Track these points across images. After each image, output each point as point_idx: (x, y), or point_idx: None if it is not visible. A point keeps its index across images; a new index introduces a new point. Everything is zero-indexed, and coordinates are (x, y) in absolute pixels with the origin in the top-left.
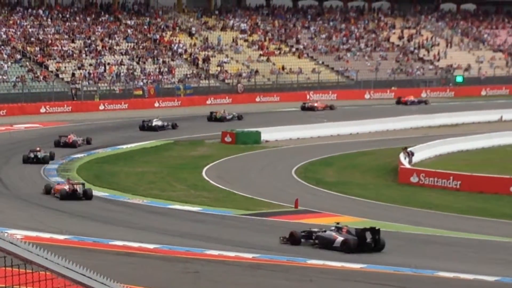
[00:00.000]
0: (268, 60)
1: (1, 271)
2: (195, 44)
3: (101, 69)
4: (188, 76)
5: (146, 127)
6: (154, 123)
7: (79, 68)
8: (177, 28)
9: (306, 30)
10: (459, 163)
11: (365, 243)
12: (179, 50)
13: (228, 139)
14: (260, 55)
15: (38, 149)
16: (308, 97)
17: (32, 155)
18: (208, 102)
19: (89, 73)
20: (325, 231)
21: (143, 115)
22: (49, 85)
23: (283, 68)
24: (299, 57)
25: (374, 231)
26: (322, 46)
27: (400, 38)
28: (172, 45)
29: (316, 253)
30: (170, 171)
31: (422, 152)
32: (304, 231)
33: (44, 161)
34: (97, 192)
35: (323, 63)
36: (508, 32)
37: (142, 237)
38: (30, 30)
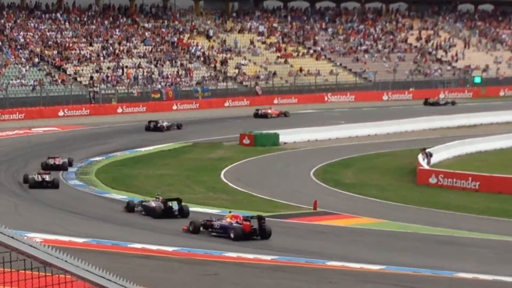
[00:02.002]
0: (286, 62)
1: (21, 274)
2: (212, 47)
3: (119, 72)
4: (206, 78)
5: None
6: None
7: (97, 71)
8: (195, 30)
9: (323, 32)
10: (478, 164)
11: None
12: (197, 53)
13: (246, 141)
14: (278, 57)
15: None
16: (326, 98)
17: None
18: (226, 104)
19: (107, 76)
20: None
21: (161, 118)
22: (67, 88)
23: (301, 70)
24: (316, 58)
25: None
26: (339, 48)
27: (418, 39)
28: (190, 47)
29: (335, 255)
30: (189, 173)
31: (441, 153)
32: None
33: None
34: (116, 195)
35: (341, 64)
36: None
37: (161, 239)
38: (48, 33)
